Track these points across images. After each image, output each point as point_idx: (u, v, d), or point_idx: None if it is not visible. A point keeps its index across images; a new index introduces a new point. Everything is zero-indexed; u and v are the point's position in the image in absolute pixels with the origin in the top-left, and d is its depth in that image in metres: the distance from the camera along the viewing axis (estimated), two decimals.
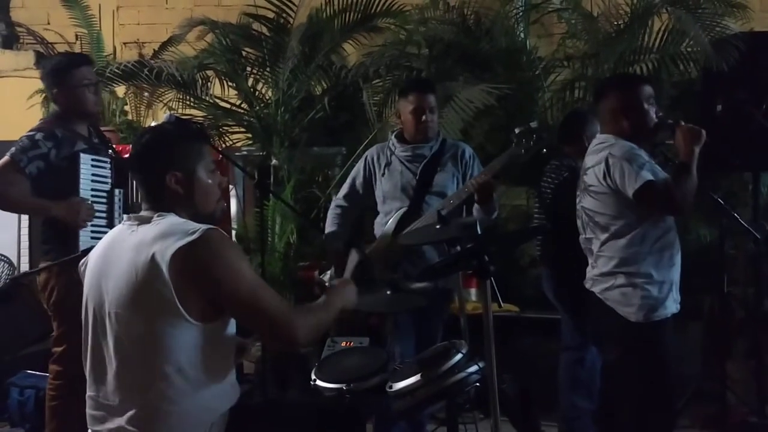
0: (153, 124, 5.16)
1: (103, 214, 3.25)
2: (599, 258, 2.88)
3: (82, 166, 3.19)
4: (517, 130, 3.23)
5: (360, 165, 3.54)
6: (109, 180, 3.29)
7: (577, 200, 2.99)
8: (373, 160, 3.49)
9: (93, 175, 3.24)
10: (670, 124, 2.87)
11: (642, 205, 2.74)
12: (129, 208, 3.27)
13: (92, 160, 3.23)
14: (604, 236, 2.85)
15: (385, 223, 3.42)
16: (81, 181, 3.20)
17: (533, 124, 3.32)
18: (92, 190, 3.22)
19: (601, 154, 2.85)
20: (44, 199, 3.17)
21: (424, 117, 3.35)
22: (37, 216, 3.23)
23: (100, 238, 3.12)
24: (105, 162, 3.29)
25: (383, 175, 3.44)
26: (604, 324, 2.92)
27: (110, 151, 3.40)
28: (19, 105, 5.36)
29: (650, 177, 2.71)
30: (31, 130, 3.22)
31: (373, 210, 3.54)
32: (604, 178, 2.79)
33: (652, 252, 2.79)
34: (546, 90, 4.82)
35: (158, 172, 1.92)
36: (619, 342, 2.88)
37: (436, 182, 3.38)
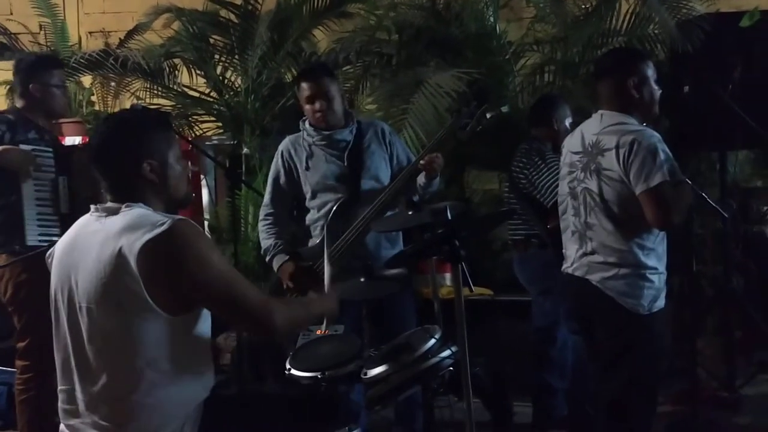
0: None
1: (49, 203, 3.26)
2: (604, 247, 2.70)
3: None
4: (488, 115, 3.23)
5: (278, 163, 3.37)
6: (53, 168, 3.29)
7: (570, 180, 2.81)
8: (290, 154, 3.33)
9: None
10: None
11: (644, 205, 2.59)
12: (74, 195, 3.30)
13: (32, 150, 3.24)
14: (611, 225, 2.67)
15: (318, 218, 3.27)
16: None
17: (504, 109, 3.32)
18: (35, 179, 3.22)
19: (626, 137, 2.62)
20: None
21: (318, 104, 3.23)
22: None
23: (48, 226, 3.19)
24: (47, 151, 3.30)
25: (307, 168, 3.28)
26: (598, 312, 2.76)
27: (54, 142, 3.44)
28: None
29: (664, 179, 2.56)
30: None
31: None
32: (623, 163, 2.60)
33: (656, 243, 2.70)
34: (516, 74, 4.83)
35: (133, 162, 1.89)
36: (618, 332, 2.72)
37: (368, 166, 3.27)
